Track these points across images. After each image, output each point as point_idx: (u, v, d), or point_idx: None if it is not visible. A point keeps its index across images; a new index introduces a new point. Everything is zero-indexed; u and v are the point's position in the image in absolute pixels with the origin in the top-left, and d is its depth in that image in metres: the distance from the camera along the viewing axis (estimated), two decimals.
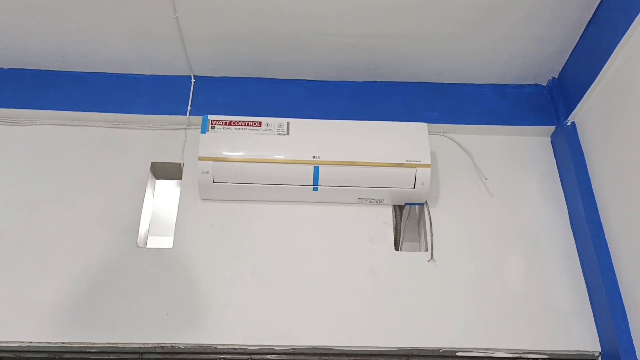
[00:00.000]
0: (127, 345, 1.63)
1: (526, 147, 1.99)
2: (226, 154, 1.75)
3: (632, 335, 1.57)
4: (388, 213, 1.86)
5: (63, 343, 1.62)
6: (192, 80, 2.01)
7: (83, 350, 1.63)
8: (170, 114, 1.95)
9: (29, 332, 1.63)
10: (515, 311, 1.72)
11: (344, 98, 2.02)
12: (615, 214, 1.67)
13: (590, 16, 1.77)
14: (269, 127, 1.79)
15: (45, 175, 1.87)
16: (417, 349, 1.66)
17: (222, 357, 1.66)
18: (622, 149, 1.64)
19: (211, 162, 1.74)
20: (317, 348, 1.66)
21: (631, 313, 1.58)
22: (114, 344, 1.62)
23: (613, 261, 1.66)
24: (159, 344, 1.63)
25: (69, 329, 1.64)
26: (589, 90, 1.78)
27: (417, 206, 1.91)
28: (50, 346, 1.62)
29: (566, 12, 1.77)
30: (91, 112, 1.94)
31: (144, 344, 1.63)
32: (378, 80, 2.05)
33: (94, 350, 1.63)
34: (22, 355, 1.65)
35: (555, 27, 1.83)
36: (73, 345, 1.62)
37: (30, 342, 1.62)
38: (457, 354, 1.67)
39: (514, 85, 2.06)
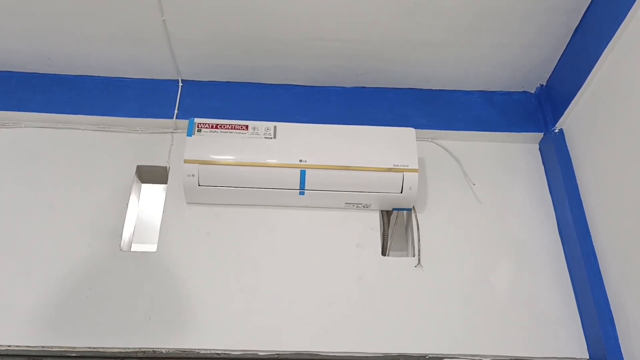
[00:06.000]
0: (108, 350, 1.59)
1: (514, 154, 1.99)
2: (212, 157, 1.74)
3: (620, 341, 1.55)
4: (375, 218, 1.84)
5: (43, 347, 1.58)
6: (180, 84, 2.00)
7: (63, 354, 1.59)
8: (156, 118, 1.93)
9: (7, 335, 1.59)
10: (503, 317, 1.70)
11: (332, 103, 2.02)
12: (602, 220, 1.67)
13: (577, 23, 1.78)
14: (256, 131, 1.78)
15: (29, 177, 1.84)
16: (404, 355, 1.64)
17: None
18: (609, 155, 1.64)
19: (197, 165, 1.73)
20: (302, 353, 1.63)
21: (619, 319, 1.57)
22: (95, 348, 1.59)
23: (601, 267, 1.65)
24: (140, 348, 1.60)
25: (49, 333, 1.60)
26: (576, 96, 1.78)
27: (404, 211, 1.90)
28: (29, 350, 1.59)
29: (553, 19, 1.78)
30: (77, 115, 1.92)
31: (125, 348, 1.60)
32: (367, 86, 2.05)
33: (74, 355, 1.60)
34: (1, 358, 1.61)
35: (543, 34, 1.83)
36: (53, 349, 1.59)
37: (9, 346, 1.58)
38: None
39: (503, 92, 2.07)
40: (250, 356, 1.63)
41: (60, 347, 1.59)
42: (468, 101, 2.05)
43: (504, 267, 1.78)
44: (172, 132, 1.95)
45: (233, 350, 1.62)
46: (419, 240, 1.81)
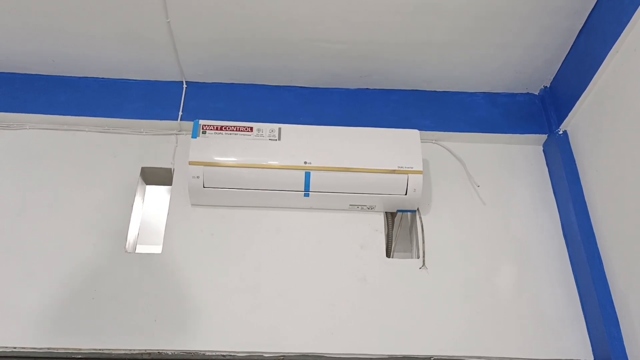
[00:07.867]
0: (113, 351, 1.60)
1: (518, 156, 1.99)
2: (217, 158, 1.74)
3: (625, 343, 1.55)
4: (380, 220, 1.85)
5: (48, 348, 1.59)
6: (184, 85, 2.00)
7: (68, 356, 1.60)
8: (161, 119, 1.94)
9: (13, 337, 1.60)
10: (507, 319, 1.70)
11: (336, 105, 2.02)
12: (607, 221, 1.67)
13: (582, 25, 1.78)
14: (261, 133, 1.78)
15: (34, 179, 1.84)
16: (408, 357, 1.64)
17: None
18: (613, 157, 1.64)
19: (202, 166, 1.73)
20: (307, 355, 1.64)
21: (624, 321, 1.57)
22: (100, 349, 1.59)
23: (605, 269, 1.65)
24: (146, 350, 1.60)
25: (54, 334, 1.61)
26: (580, 98, 1.78)
27: (409, 213, 1.90)
28: (35, 351, 1.59)
29: (557, 21, 1.78)
30: (81, 117, 1.92)
31: (130, 350, 1.60)
32: (370, 88, 2.05)
33: (80, 356, 1.60)
34: None
35: (547, 36, 1.83)
36: (58, 351, 1.59)
37: (15, 347, 1.59)
38: None
39: (506, 93, 2.07)
40: (256, 358, 1.63)
41: (65, 348, 1.60)
42: (472, 103, 2.05)
43: (508, 269, 1.78)
44: (176, 134, 1.95)
45: (238, 352, 1.62)
46: (423, 242, 1.81)
